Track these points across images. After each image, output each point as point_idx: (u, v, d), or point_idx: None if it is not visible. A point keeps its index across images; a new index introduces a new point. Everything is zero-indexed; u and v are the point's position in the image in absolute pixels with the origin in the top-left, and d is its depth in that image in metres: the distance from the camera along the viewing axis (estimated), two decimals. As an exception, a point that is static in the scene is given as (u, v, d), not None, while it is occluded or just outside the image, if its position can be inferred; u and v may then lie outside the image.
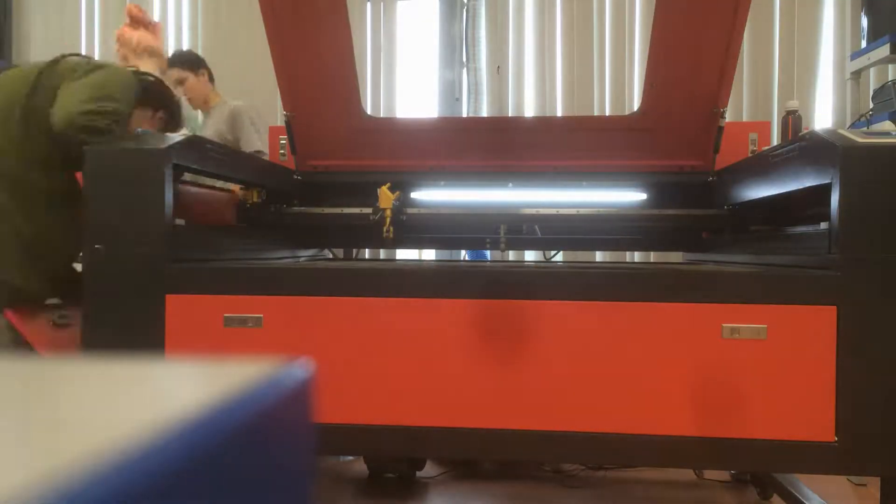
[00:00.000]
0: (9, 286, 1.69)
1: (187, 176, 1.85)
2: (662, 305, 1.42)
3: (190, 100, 3.01)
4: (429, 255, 3.10)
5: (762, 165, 1.83)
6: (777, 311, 1.40)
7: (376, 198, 2.22)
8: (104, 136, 1.58)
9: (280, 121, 2.80)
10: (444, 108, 3.39)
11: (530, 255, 3.16)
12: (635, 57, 3.30)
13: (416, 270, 1.53)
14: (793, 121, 2.60)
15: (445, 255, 2.98)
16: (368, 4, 3.44)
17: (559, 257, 2.66)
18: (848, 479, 2.45)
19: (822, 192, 1.47)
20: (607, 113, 3.29)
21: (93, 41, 3.62)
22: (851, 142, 1.38)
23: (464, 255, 2.89)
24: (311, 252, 2.63)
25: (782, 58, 3.20)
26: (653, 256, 3.11)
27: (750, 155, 2.33)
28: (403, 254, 3.09)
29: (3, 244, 1.70)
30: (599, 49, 3.32)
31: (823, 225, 1.47)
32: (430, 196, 2.38)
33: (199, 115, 3.16)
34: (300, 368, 0.39)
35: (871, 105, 2.82)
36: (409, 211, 2.34)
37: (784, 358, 1.40)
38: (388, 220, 2.21)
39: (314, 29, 2.17)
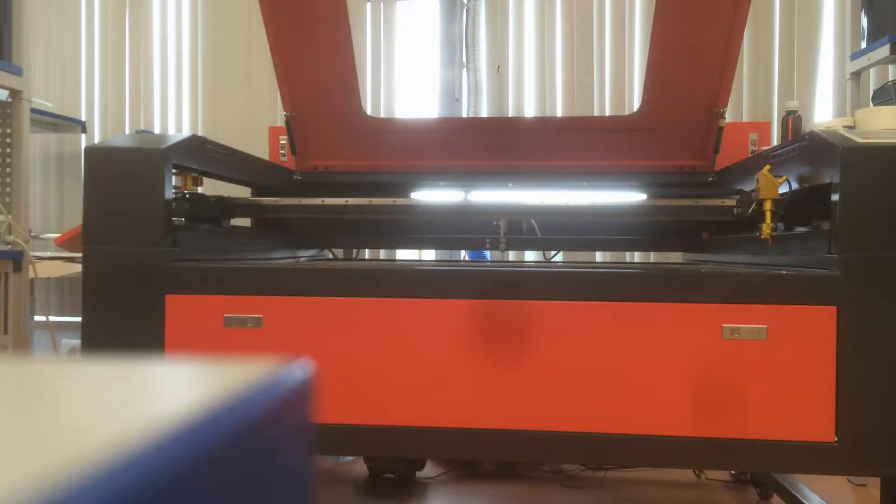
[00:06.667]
0: None
1: None
2: (662, 305, 1.42)
3: None
4: (429, 255, 3.10)
5: (762, 166, 1.83)
6: (777, 311, 1.40)
7: (377, 197, 2.21)
8: None
9: (280, 121, 2.80)
10: (443, 108, 3.39)
11: (530, 256, 3.16)
12: (635, 57, 3.30)
13: (415, 270, 1.53)
14: (793, 121, 2.60)
15: (445, 255, 2.98)
16: (368, 4, 3.44)
17: (559, 257, 2.66)
18: (848, 479, 2.45)
19: (822, 192, 1.47)
20: (607, 113, 3.29)
21: (93, 42, 3.62)
22: (852, 142, 1.38)
23: (464, 255, 2.89)
24: (311, 252, 2.63)
25: (782, 58, 3.20)
26: (653, 257, 3.11)
27: (750, 155, 2.33)
28: (403, 254, 3.09)
29: None
30: (599, 49, 3.32)
31: (824, 225, 1.47)
32: (430, 196, 2.37)
33: None
34: (300, 368, 0.39)
35: (871, 105, 2.82)
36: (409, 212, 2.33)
37: (784, 358, 1.40)
38: (769, 215, 1.63)
39: (314, 29, 2.17)
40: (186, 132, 3.37)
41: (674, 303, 1.42)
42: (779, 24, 3.21)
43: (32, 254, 2.57)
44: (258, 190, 2.29)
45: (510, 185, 2.36)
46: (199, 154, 1.74)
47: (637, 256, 3.16)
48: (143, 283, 1.50)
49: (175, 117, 3.58)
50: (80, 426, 0.27)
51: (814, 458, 1.40)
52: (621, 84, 3.30)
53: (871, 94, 2.94)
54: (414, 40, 3.48)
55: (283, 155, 2.51)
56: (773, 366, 1.40)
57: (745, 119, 3.19)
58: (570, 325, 1.44)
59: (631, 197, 2.32)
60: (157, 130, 3.56)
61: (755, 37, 3.21)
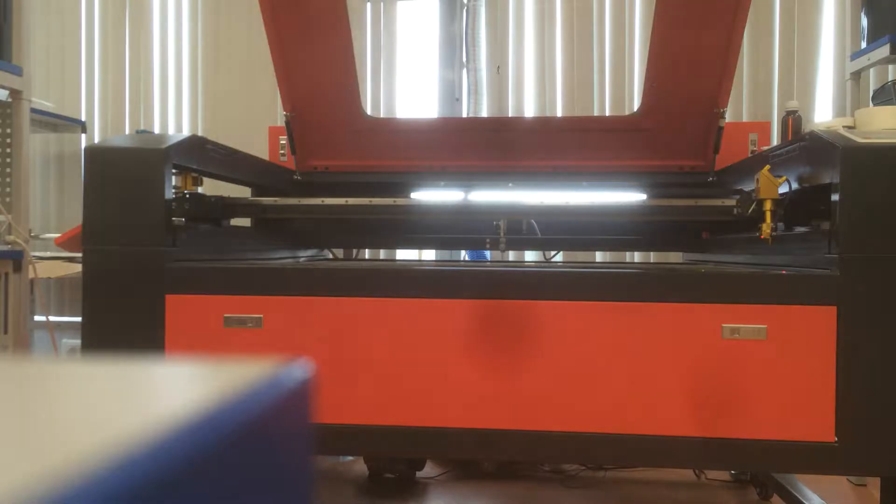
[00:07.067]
0: None
1: None
2: (662, 305, 1.42)
3: None
4: (429, 255, 3.10)
5: (762, 166, 1.83)
6: (777, 311, 1.40)
7: (377, 197, 2.21)
8: None
9: (280, 121, 2.80)
10: (443, 108, 3.39)
11: (530, 256, 3.16)
12: (635, 57, 3.30)
13: (415, 271, 1.53)
14: (793, 121, 2.60)
15: (445, 255, 2.98)
16: (368, 4, 3.44)
17: (559, 257, 2.66)
18: (848, 479, 2.45)
19: (822, 192, 1.47)
20: (607, 113, 3.29)
21: (93, 42, 3.62)
22: (852, 142, 1.38)
23: (464, 255, 2.89)
24: (311, 252, 2.63)
25: (782, 58, 3.20)
26: (653, 257, 3.11)
27: (750, 155, 2.33)
28: (403, 254, 3.09)
29: None
30: (599, 49, 3.32)
31: (824, 225, 1.47)
32: (430, 196, 2.37)
33: None
34: (300, 368, 0.39)
35: (871, 105, 2.82)
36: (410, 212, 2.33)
37: (784, 358, 1.40)
38: (769, 215, 1.62)
39: (314, 29, 2.17)
40: (186, 132, 3.37)
41: (674, 303, 1.42)
42: (779, 24, 3.21)
43: (32, 254, 2.57)
44: (258, 190, 2.29)
45: (510, 185, 2.36)
46: (199, 154, 1.74)
47: (637, 256, 3.16)
48: (143, 283, 1.50)
49: (175, 117, 3.58)
50: (80, 426, 0.27)
51: (814, 458, 1.40)
52: (621, 84, 3.30)
53: (871, 94, 2.94)
54: (414, 40, 3.48)
55: (283, 155, 2.51)
56: (773, 366, 1.40)
57: (745, 119, 3.19)
58: (570, 325, 1.44)
59: (631, 197, 2.32)
60: (157, 130, 3.56)
61: (755, 37, 3.21)
